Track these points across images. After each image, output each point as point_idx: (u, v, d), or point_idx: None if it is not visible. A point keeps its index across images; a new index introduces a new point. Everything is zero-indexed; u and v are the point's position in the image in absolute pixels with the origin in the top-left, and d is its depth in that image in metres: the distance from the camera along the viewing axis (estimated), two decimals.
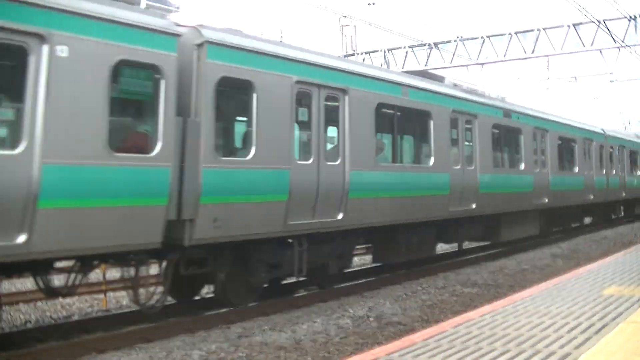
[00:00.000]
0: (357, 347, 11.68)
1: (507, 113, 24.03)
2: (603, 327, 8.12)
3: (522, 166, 24.87)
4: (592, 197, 32.30)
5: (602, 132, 35.24)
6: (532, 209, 26.22)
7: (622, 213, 42.29)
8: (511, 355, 6.88)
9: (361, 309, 14.58)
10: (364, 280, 18.15)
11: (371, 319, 13.73)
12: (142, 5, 12.61)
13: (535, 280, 18.52)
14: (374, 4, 31.27)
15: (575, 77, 50.64)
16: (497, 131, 23.33)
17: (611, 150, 36.05)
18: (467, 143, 21.31)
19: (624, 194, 38.15)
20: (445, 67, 38.87)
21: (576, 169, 30.76)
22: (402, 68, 38.86)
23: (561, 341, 7.38)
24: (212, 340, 11.87)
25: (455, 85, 21.69)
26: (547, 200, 26.71)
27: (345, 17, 36.45)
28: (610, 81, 49.13)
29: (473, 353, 7.01)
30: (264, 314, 14.12)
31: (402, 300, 15.66)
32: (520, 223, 25.42)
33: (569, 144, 30.26)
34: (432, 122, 19.30)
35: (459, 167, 20.45)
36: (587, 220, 36.84)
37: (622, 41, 34.65)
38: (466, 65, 38.77)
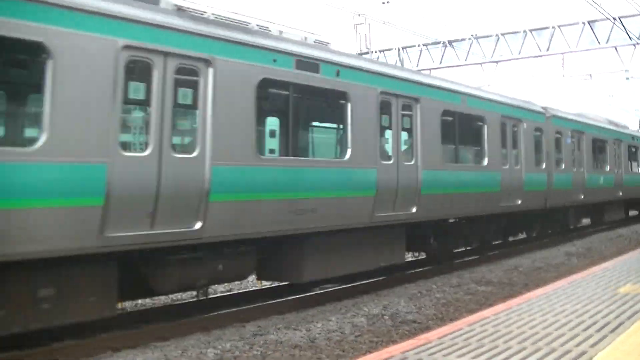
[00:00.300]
0: (372, 345, 11.69)
1: (311, 65, 14.35)
2: (619, 325, 8.10)
3: (348, 155, 15.26)
4: (519, 202, 22.81)
5: (542, 111, 26.14)
6: (382, 225, 16.52)
7: (586, 221, 34.11)
8: (527, 353, 6.87)
9: (376, 307, 14.57)
10: (378, 279, 18.11)
11: (386, 317, 13.72)
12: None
13: (550, 278, 18.49)
14: (388, 2, 31.22)
15: (590, 75, 50.37)
16: (280, 94, 14.32)
17: (558, 136, 27.03)
18: (185, 111, 12.51)
19: (581, 197, 28.98)
20: (459, 65, 38.86)
21: (485, 162, 20.97)
22: (417, 66, 38.84)
23: (577, 339, 7.37)
24: (227, 338, 11.89)
25: (178, 10, 12.25)
26: (415, 209, 17.25)
27: (359, 15, 36.39)
28: (626, 78, 48.82)
29: (489, 351, 7.00)
30: (278, 312, 14.14)
31: (417, 299, 15.64)
32: (353, 249, 16.00)
33: (467, 124, 20.52)
34: (52, 67, 9.78)
35: (148, 152, 11.05)
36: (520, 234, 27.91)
37: (638, 38, 34.51)
38: (481, 63, 38.71)
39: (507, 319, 8.78)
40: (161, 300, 15.71)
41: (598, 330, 7.79)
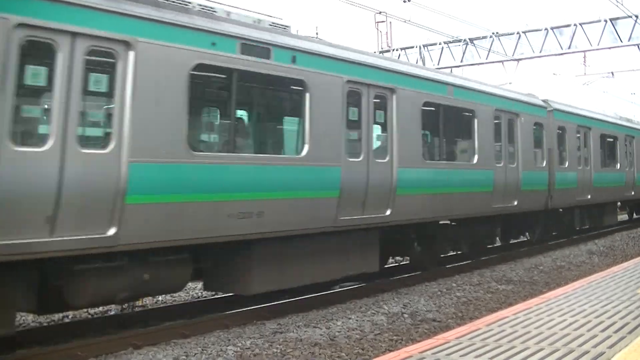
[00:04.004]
0: (391, 343, 11.74)
1: None
2: (637, 326, 8.08)
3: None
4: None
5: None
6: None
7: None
8: (544, 354, 6.88)
9: (396, 305, 14.61)
10: (399, 277, 18.13)
11: (406, 315, 13.76)
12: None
13: (571, 277, 18.49)
14: (409, 0, 31.14)
15: (612, 73, 50.12)
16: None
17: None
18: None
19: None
20: (481, 63, 38.75)
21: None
22: (438, 64, 38.77)
23: (595, 340, 7.37)
24: (247, 336, 11.96)
25: None
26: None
27: (380, 13, 36.35)
28: None
29: (506, 352, 7.02)
30: (299, 310, 14.19)
31: (437, 297, 15.67)
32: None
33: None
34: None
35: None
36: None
37: None
38: (502, 61, 38.58)
39: (526, 319, 8.79)
40: (181, 297, 15.83)
41: (616, 331, 7.79)
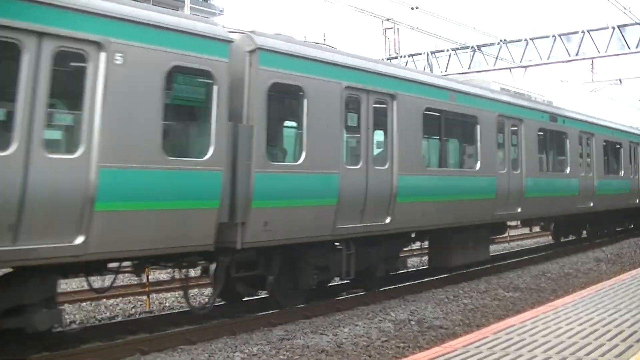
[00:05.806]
0: (399, 350, 11.72)
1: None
2: None
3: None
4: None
5: None
6: None
7: None
8: None
9: (403, 312, 14.60)
10: (406, 284, 18.11)
11: (413, 322, 13.74)
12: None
13: (579, 284, 18.44)
14: (417, 7, 31.16)
15: (619, 80, 50.04)
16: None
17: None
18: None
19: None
20: (488, 70, 38.68)
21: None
22: (445, 71, 38.73)
23: (602, 349, 7.36)
24: (254, 342, 11.96)
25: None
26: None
27: (388, 20, 36.39)
28: None
29: None
30: (306, 316, 14.18)
31: (444, 304, 15.66)
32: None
33: None
34: None
35: None
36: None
37: None
38: (509, 68, 38.52)
39: (533, 327, 8.78)
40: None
41: (624, 340, 7.77)
